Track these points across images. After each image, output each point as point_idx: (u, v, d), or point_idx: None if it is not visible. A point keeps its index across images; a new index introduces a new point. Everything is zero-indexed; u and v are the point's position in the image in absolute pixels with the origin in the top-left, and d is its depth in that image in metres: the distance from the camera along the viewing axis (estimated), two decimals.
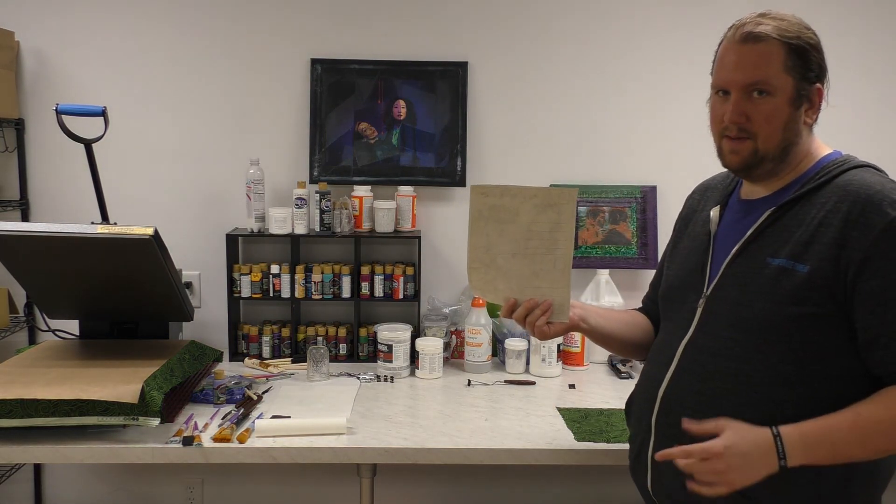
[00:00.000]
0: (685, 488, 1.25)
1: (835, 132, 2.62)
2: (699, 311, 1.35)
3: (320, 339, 2.46)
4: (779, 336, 1.23)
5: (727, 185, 1.47)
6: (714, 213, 1.42)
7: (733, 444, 1.18)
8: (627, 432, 1.82)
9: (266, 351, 2.47)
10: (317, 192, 2.42)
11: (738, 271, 1.31)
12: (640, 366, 2.37)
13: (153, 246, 1.85)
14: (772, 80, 1.26)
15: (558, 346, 2.33)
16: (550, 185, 2.53)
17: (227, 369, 2.29)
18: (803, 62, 1.28)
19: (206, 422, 1.87)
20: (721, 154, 1.35)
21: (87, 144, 2.19)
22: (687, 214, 1.55)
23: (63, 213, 2.47)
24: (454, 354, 2.47)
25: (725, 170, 1.42)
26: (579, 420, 1.94)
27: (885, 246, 1.17)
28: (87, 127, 2.23)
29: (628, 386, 2.24)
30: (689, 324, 1.36)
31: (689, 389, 1.32)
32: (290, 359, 2.43)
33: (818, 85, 1.30)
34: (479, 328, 2.34)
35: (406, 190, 2.47)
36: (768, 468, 1.17)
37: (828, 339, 1.22)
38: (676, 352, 1.36)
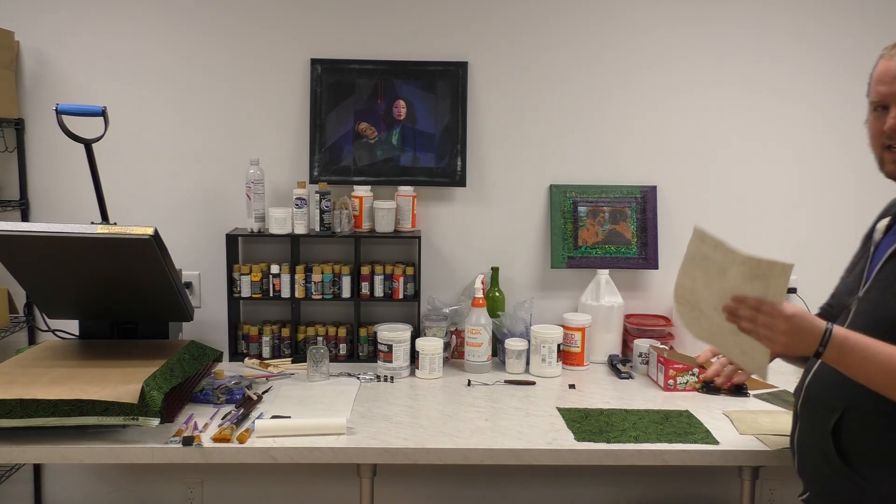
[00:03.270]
0: (827, 475, 1.41)
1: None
2: (851, 311, 1.44)
3: (320, 339, 2.46)
4: None
5: None
6: (881, 224, 1.50)
7: (797, 315, 1.31)
8: (627, 432, 1.87)
9: (266, 351, 2.47)
10: (317, 192, 2.42)
11: (884, 275, 1.39)
12: (640, 366, 2.38)
13: (153, 246, 1.85)
14: None
15: (558, 346, 2.33)
16: (550, 185, 2.54)
17: (227, 369, 2.29)
18: None
19: (206, 422, 1.87)
20: (882, 164, 1.43)
21: (87, 144, 2.19)
22: (870, 229, 1.60)
23: (63, 213, 2.47)
24: (454, 354, 2.47)
25: None
26: (579, 420, 1.94)
27: None
28: (87, 127, 2.23)
29: (628, 386, 2.25)
30: (843, 323, 1.44)
31: (828, 381, 1.43)
32: (290, 359, 2.43)
33: None
34: (479, 328, 2.34)
35: (406, 190, 2.47)
36: (809, 349, 1.32)
37: None
38: None
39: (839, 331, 1.31)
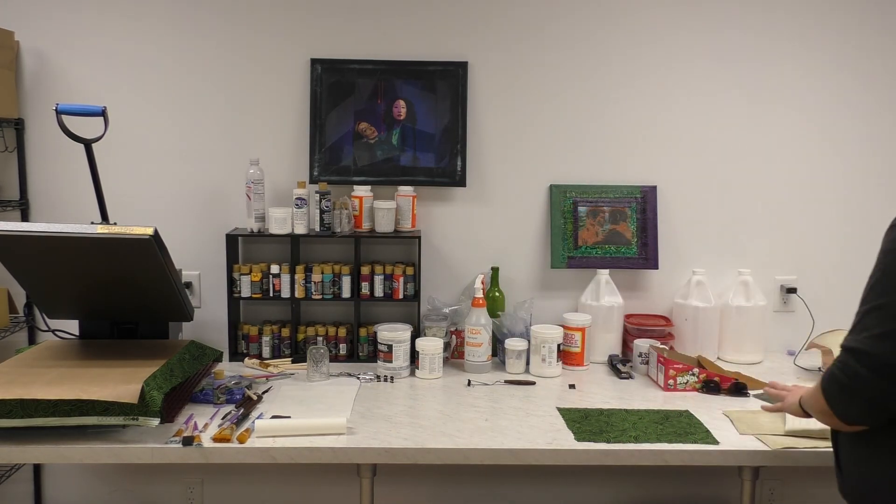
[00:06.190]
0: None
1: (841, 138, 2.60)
2: None
3: (320, 339, 2.46)
4: None
5: None
6: None
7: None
8: (627, 432, 1.87)
9: (266, 351, 2.47)
10: (317, 192, 2.42)
11: None
12: (640, 366, 2.37)
13: (153, 246, 1.85)
14: None
15: (558, 346, 2.33)
16: (550, 185, 2.54)
17: (227, 369, 2.29)
18: None
19: (206, 422, 1.87)
20: None
21: (87, 144, 2.19)
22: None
23: (63, 213, 2.47)
24: (454, 354, 2.47)
25: None
26: (579, 420, 1.94)
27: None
28: (87, 127, 2.23)
29: (628, 386, 2.25)
30: None
31: None
32: (290, 359, 2.43)
33: None
34: (479, 328, 2.34)
35: (406, 190, 2.47)
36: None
37: None
38: None
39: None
